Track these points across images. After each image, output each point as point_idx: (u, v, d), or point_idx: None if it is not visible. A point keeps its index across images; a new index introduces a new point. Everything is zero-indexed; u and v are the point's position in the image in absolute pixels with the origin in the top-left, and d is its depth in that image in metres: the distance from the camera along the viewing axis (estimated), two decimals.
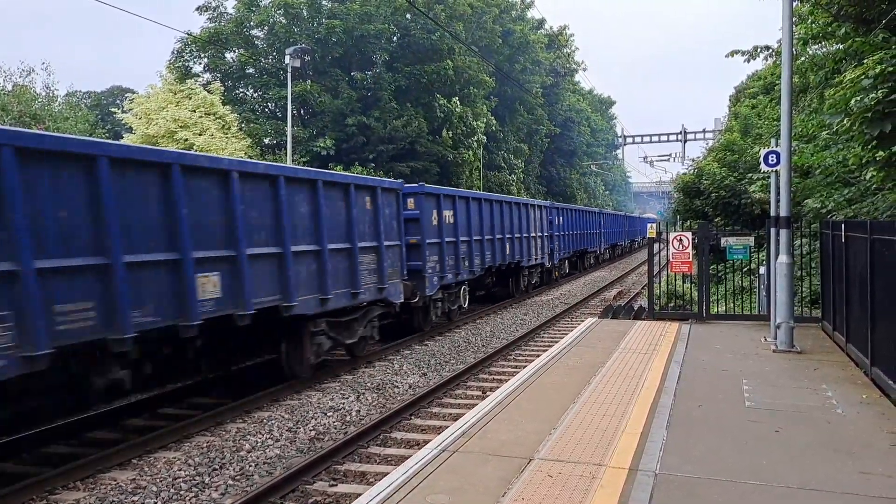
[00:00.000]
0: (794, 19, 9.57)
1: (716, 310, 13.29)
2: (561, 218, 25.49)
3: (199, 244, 7.27)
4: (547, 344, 13.19)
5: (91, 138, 10.05)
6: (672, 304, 14.63)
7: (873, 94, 7.66)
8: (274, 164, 10.45)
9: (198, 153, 10.64)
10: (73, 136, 7.30)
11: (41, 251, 5.66)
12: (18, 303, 5.47)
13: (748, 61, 14.10)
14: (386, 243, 11.33)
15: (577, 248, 28.91)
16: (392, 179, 13.00)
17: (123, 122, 27.46)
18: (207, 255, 7.41)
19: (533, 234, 21.25)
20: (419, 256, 13.30)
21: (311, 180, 9.49)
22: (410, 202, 13.49)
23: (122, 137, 27.44)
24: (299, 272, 8.97)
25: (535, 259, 21.68)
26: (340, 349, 10.97)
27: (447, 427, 6.48)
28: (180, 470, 6.58)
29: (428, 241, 13.67)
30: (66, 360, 6.17)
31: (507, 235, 18.61)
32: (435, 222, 14.18)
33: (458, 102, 34.79)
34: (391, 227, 11.76)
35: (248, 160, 11.46)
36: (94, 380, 6.77)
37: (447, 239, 14.58)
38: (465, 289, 16.10)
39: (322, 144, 29.25)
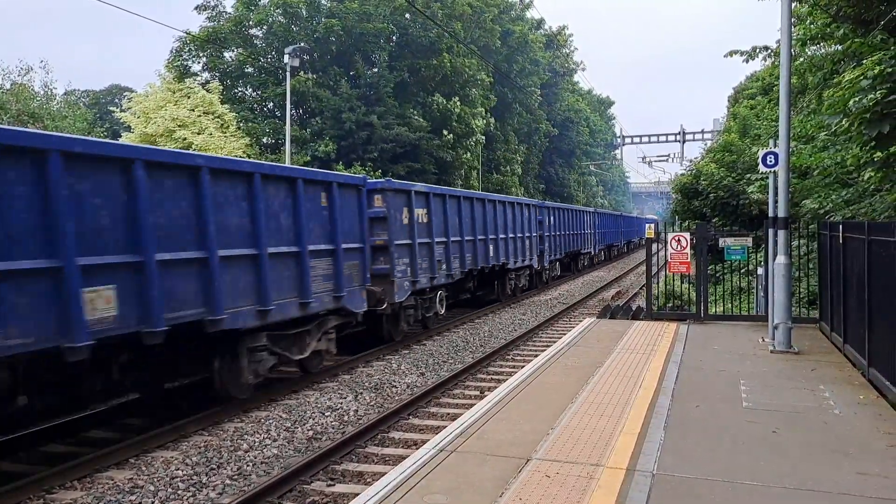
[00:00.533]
0: (792, 20, 9.58)
1: (714, 310, 13.30)
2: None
3: (486, 231, 17.36)
4: (545, 344, 13.19)
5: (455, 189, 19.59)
6: (670, 305, 14.65)
7: (872, 95, 7.66)
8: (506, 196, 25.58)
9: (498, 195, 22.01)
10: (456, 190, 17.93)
11: (435, 235, 14.19)
12: (430, 259, 13.88)
13: (747, 62, 14.09)
14: (520, 234, 20.56)
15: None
16: (531, 199, 24.33)
17: (122, 120, 27.42)
18: (491, 237, 17.72)
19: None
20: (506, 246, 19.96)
21: (510, 202, 20.16)
22: (538, 210, 22.93)
23: (121, 136, 27.40)
24: (510, 247, 19.34)
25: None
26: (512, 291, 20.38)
27: (445, 427, 6.48)
28: (178, 469, 6.57)
29: (546, 234, 23.51)
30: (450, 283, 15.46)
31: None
32: (547, 222, 23.93)
33: (458, 102, 34.78)
34: (531, 224, 21.70)
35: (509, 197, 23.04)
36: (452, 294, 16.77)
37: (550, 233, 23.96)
38: (557, 263, 26.28)
39: (323, 148, 29.22)
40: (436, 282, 14.19)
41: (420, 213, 13.67)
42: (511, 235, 19.53)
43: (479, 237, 16.94)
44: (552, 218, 24.73)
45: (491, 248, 17.76)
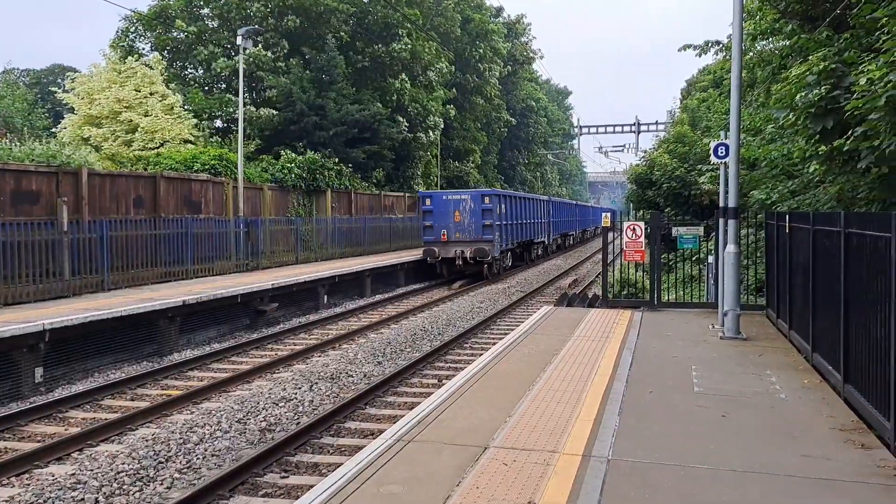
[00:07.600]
0: (743, 15, 9.78)
1: (667, 297, 13.61)
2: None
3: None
4: (503, 332, 13.27)
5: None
6: (625, 293, 14.91)
7: (817, 91, 7.88)
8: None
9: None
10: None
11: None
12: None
13: (699, 55, 14.35)
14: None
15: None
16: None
17: (64, 101, 26.18)
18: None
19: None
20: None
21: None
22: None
23: (63, 118, 26.16)
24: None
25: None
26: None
27: (402, 416, 6.43)
28: (123, 464, 6.34)
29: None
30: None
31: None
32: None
33: (409, 81, 34.39)
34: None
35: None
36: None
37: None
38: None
39: (266, 114, 28.40)
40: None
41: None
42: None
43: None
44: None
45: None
